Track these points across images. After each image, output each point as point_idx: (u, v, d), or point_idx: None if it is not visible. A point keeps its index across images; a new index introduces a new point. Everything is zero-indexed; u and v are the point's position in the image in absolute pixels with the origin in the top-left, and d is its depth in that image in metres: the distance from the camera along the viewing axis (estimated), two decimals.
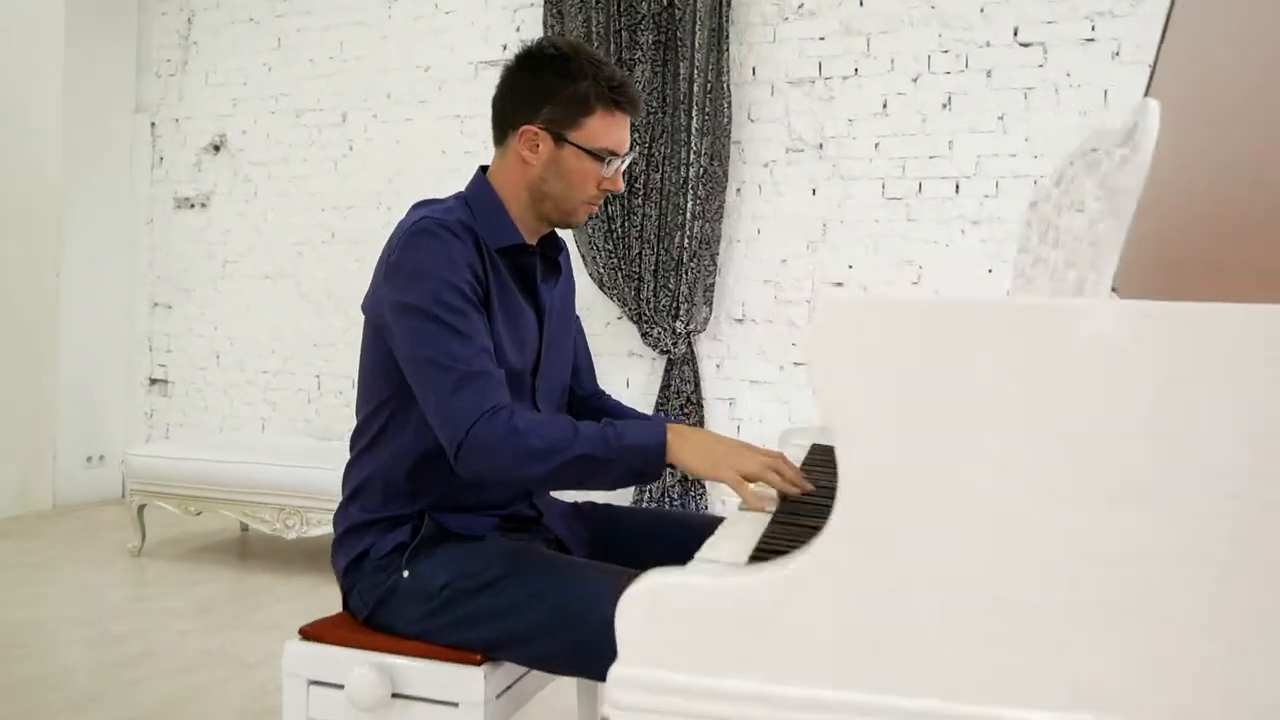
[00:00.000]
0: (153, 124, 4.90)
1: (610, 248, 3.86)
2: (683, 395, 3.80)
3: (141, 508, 3.73)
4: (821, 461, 1.91)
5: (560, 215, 1.47)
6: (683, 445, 1.29)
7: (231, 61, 4.72)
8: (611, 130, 1.42)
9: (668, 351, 3.80)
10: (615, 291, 3.87)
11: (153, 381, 4.92)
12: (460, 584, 1.35)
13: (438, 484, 1.42)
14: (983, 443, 0.76)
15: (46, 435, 4.60)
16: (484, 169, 1.52)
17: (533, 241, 1.50)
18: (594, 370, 1.76)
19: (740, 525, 1.20)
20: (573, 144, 1.40)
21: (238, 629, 2.90)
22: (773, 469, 1.27)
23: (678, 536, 1.58)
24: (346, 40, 4.47)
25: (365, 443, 1.50)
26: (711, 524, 1.36)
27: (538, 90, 1.41)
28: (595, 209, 1.50)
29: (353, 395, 4.44)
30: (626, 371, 4.00)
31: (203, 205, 4.80)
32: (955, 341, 0.76)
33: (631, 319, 3.86)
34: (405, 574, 1.39)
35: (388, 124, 4.39)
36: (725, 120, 3.73)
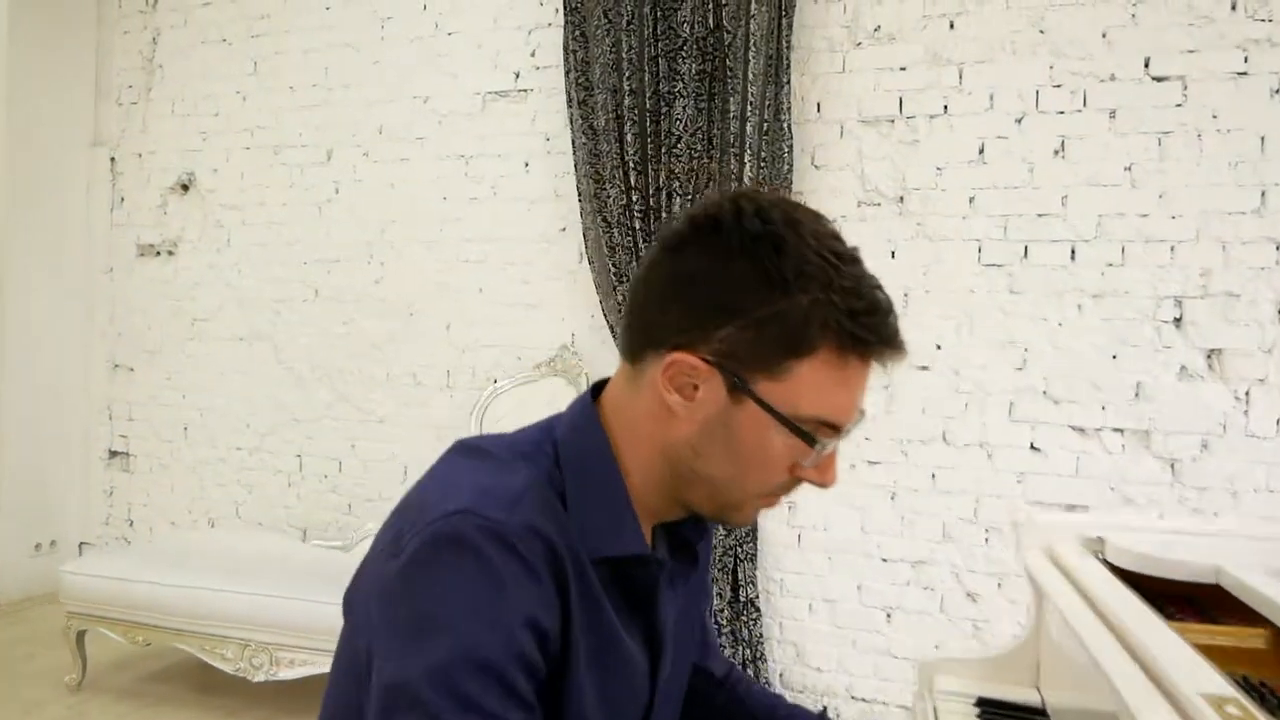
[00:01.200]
0: (112, 159, 4.27)
1: None
2: None
3: (81, 634, 3.10)
4: None
5: (715, 508, 0.84)
6: None
7: (201, 88, 4.08)
8: (840, 388, 0.79)
9: None
10: None
11: (112, 454, 4.29)
12: None
13: None
14: None
15: None
16: (596, 390, 0.87)
17: (661, 529, 0.88)
18: (718, 645, 1.14)
19: None
20: (762, 402, 0.77)
21: None
22: None
23: None
24: (332, 66, 3.83)
25: None
26: None
27: (718, 291, 0.77)
28: (775, 505, 0.85)
29: (339, 480, 3.81)
30: None
31: (169, 253, 4.17)
32: None
33: None
34: None
35: (380, 164, 3.75)
36: (785, 167, 3.08)
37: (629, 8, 3.20)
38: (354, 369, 3.79)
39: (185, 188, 4.13)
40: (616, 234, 3.23)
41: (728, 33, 3.08)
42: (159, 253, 4.18)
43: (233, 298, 4.02)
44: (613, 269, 3.24)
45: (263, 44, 3.96)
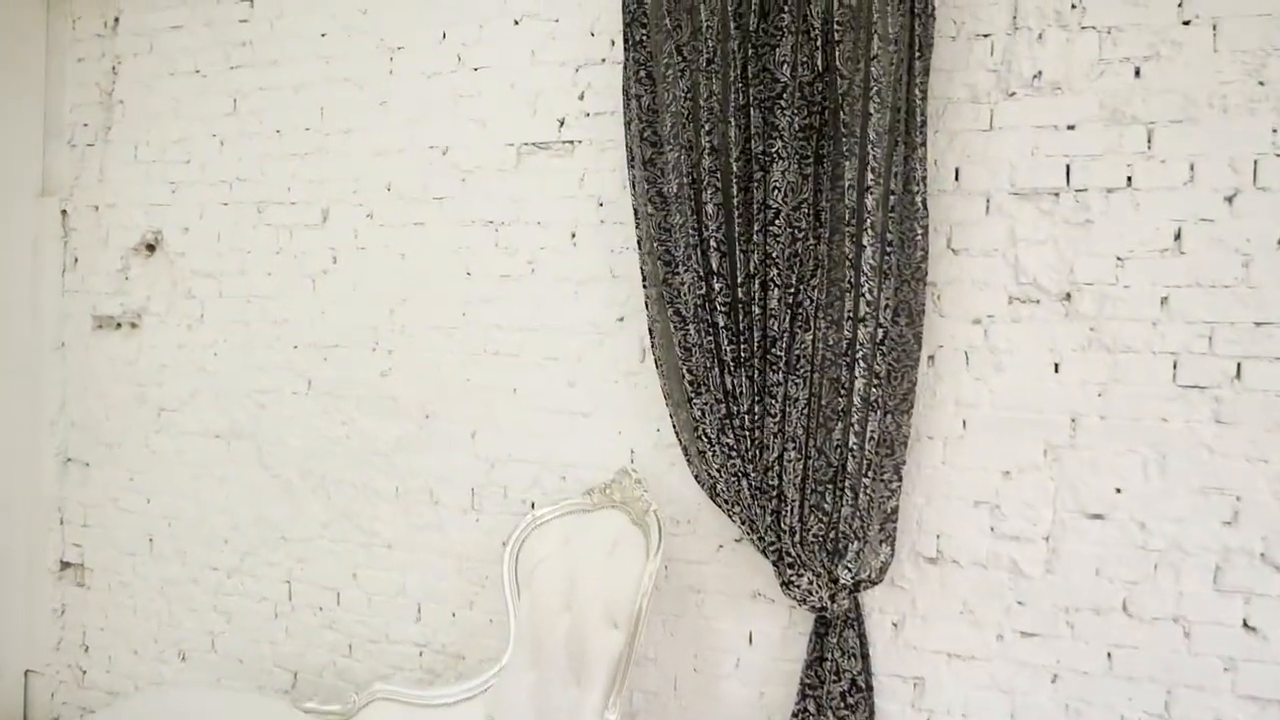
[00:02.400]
0: (64, 212, 3.55)
1: (730, 441, 2.50)
2: (845, 676, 2.45)
3: None
4: None
5: None
6: None
7: (170, 129, 3.37)
8: None
9: (822, 608, 2.46)
10: (737, 508, 2.52)
11: (64, 566, 3.58)
12: None
13: None
14: None
15: None
16: None
17: None
18: None
19: None
20: None
21: None
22: None
23: None
24: (330, 106, 3.12)
25: None
26: None
27: None
28: None
29: (337, 614, 3.06)
30: (748, 621, 2.66)
31: (131, 326, 3.46)
32: None
33: (765, 553, 2.51)
34: None
35: (388, 228, 3.05)
36: (917, 253, 2.38)
37: (711, 44, 2.50)
38: (355, 480, 3.08)
39: (150, 249, 3.42)
40: (693, 331, 2.53)
41: (842, 78, 2.38)
42: (119, 325, 3.47)
43: (207, 385, 3.31)
44: (687, 375, 2.54)
45: (244, 77, 3.24)
